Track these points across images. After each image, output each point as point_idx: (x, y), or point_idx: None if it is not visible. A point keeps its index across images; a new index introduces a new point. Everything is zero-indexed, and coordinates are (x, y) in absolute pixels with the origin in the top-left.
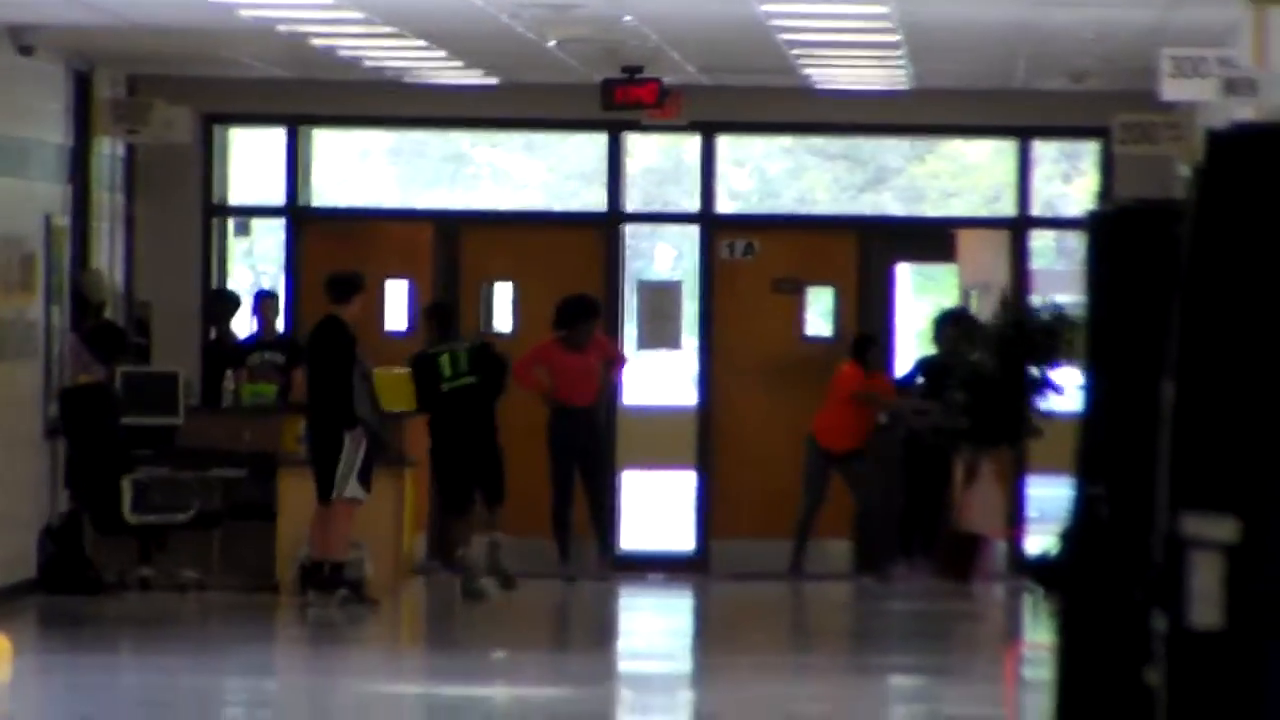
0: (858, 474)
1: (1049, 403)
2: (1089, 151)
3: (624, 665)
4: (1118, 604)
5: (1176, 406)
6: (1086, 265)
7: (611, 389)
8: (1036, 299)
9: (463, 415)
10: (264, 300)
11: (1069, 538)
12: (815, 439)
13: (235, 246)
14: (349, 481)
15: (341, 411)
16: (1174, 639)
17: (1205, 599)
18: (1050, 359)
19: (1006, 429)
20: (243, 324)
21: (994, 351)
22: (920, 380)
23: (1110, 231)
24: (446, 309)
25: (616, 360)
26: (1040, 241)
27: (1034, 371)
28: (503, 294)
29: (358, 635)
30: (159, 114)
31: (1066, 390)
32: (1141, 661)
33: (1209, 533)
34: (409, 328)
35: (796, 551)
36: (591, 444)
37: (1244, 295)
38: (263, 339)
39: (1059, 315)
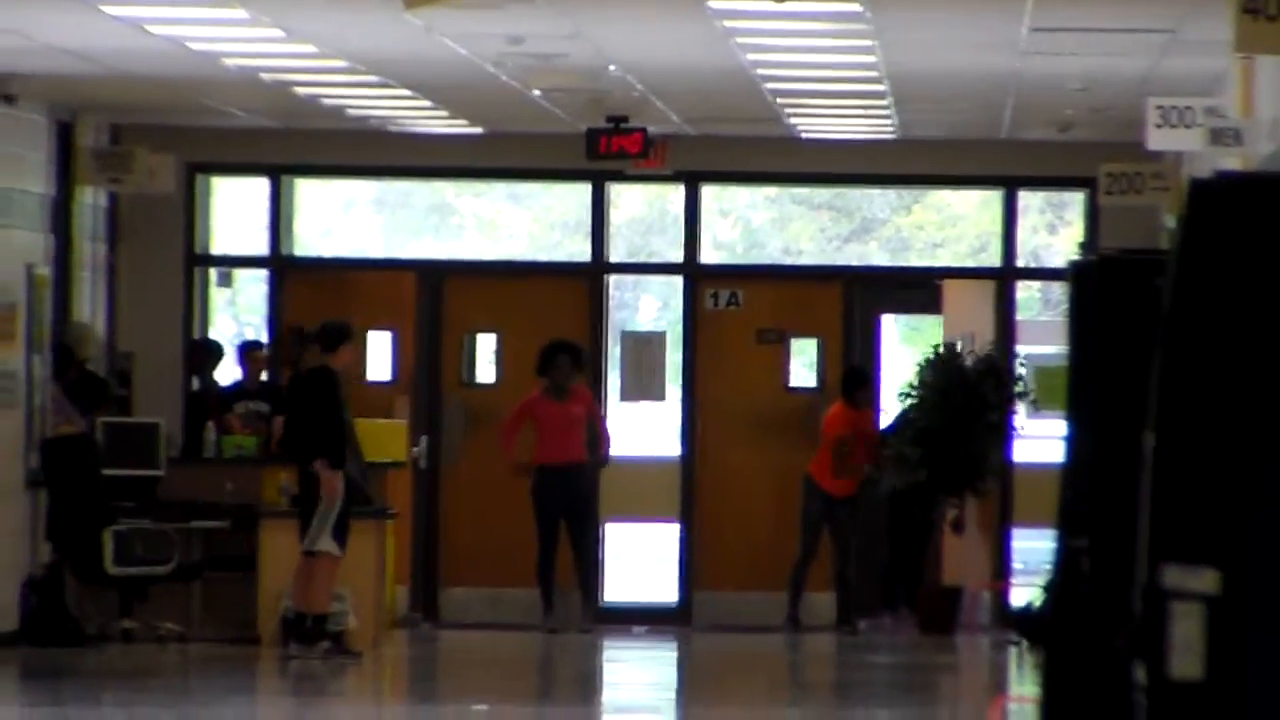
0: (846, 522)
1: (1012, 447)
2: (1075, 202)
3: (607, 718)
4: (1100, 656)
5: (1156, 458)
6: (1069, 316)
7: (598, 444)
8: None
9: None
10: (251, 350)
11: (1051, 590)
12: (815, 481)
13: (218, 296)
14: (323, 535)
15: (331, 459)
16: (1155, 690)
17: (1186, 650)
18: (996, 405)
19: (964, 477)
20: (226, 374)
21: (937, 403)
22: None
23: (1093, 282)
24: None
25: (598, 422)
26: (1026, 292)
27: (990, 418)
28: (486, 345)
29: (340, 688)
30: (142, 163)
31: (1023, 434)
32: (1123, 713)
33: (1189, 584)
34: (393, 378)
35: (793, 601)
36: (576, 499)
37: (1224, 346)
38: (245, 388)
39: (991, 363)
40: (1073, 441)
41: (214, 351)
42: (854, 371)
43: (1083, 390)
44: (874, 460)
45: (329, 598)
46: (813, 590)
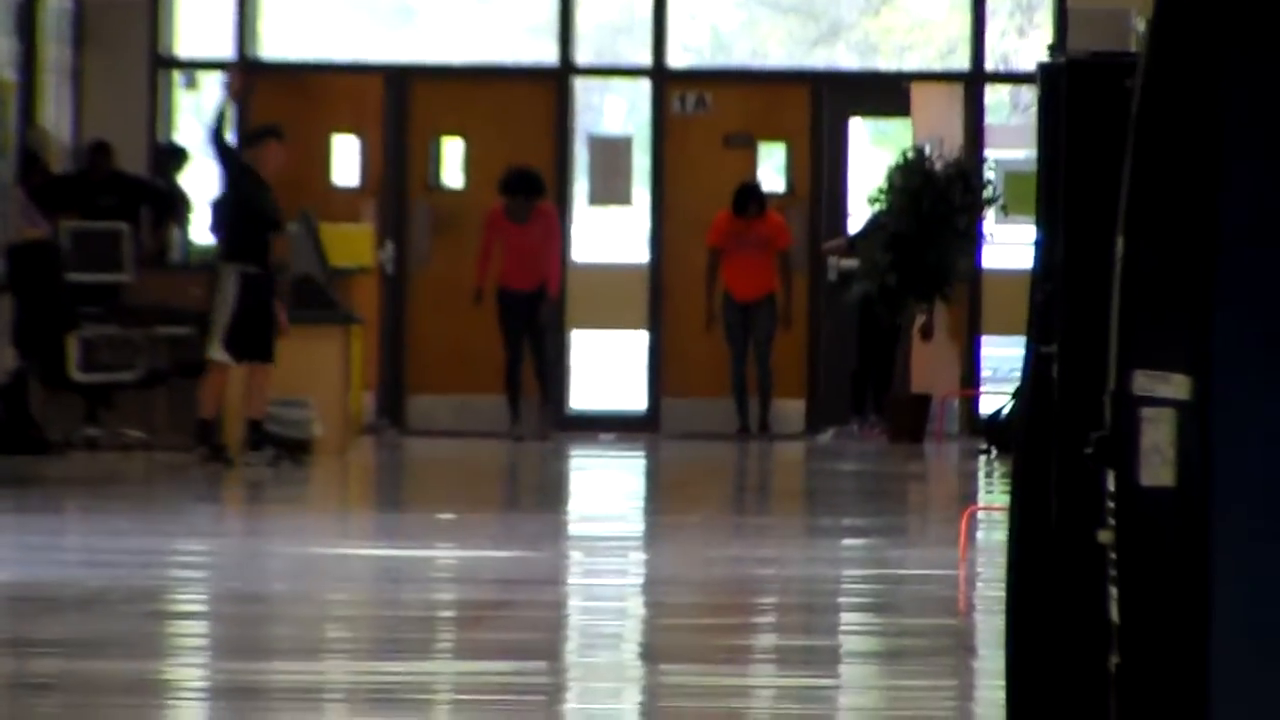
0: (760, 326)
1: (981, 254)
2: (1044, 5)
3: (574, 526)
4: (1069, 463)
5: (1125, 263)
6: (1039, 119)
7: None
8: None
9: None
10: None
11: (1020, 397)
12: (726, 290)
13: (183, 99)
14: (212, 343)
15: (226, 253)
16: (1124, 498)
17: (1155, 457)
18: (965, 210)
19: (933, 283)
20: (192, 178)
21: (906, 208)
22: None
23: (1062, 84)
24: None
25: (554, 249)
26: (995, 96)
27: (959, 224)
28: (453, 149)
29: (305, 496)
30: None
31: (992, 240)
32: (1093, 520)
33: (1159, 390)
34: (360, 182)
35: (740, 410)
36: (538, 318)
37: (1191, 150)
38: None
39: (960, 168)
40: (1042, 247)
41: (180, 155)
42: (742, 187)
43: (1053, 195)
44: (784, 252)
45: (213, 404)
46: (780, 396)
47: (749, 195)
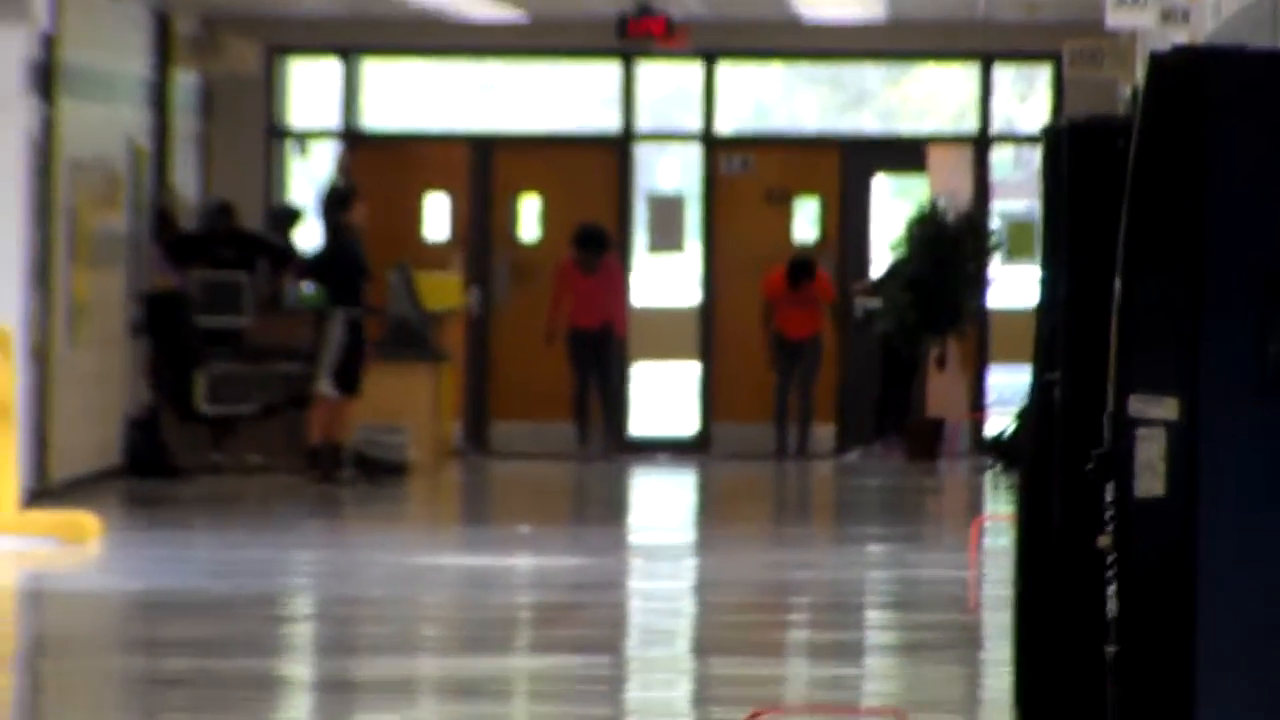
0: (806, 360)
1: (988, 294)
2: (1043, 75)
3: (634, 537)
4: (1071, 476)
5: (1123, 301)
6: (1042, 174)
7: (618, 315)
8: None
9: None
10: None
11: (1026, 418)
12: (776, 328)
13: (295, 165)
14: (320, 378)
15: (334, 299)
16: (1121, 507)
17: (1149, 471)
18: (974, 257)
19: (946, 320)
20: (306, 234)
21: (923, 255)
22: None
23: (1063, 144)
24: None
25: (619, 296)
26: (999, 155)
27: (969, 268)
28: (530, 206)
29: (402, 512)
30: (229, 47)
31: (997, 284)
32: (1093, 526)
33: (1152, 411)
34: (449, 236)
35: (780, 433)
36: (604, 353)
37: (1179, 200)
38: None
39: (970, 220)
40: (1046, 286)
41: (294, 214)
42: (796, 262)
43: (1055, 240)
44: (831, 304)
45: (321, 433)
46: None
47: (802, 270)
